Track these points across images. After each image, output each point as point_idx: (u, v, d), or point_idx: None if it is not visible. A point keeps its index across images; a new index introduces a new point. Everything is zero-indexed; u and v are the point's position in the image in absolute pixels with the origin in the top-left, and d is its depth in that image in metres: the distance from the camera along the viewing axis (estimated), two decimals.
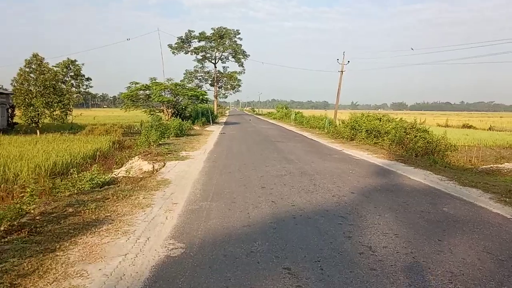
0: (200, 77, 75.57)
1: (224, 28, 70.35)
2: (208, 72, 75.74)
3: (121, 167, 13.50)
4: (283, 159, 13.05)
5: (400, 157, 14.12)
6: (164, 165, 12.43)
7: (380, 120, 21.92)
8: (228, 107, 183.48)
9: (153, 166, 12.19)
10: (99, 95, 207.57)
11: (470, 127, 43.32)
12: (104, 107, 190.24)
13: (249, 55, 71.51)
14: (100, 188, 8.68)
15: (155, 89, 31.54)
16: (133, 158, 13.71)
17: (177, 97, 33.73)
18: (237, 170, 10.74)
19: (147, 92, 32.55)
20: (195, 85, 70.37)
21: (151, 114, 35.55)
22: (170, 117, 33.51)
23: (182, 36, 70.88)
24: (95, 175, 9.08)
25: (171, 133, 21.75)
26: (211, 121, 38.10)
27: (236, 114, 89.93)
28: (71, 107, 32.22)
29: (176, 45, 71.27)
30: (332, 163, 12.49)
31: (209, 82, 76.03)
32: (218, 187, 8.39)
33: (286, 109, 65.52)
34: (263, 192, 7.91)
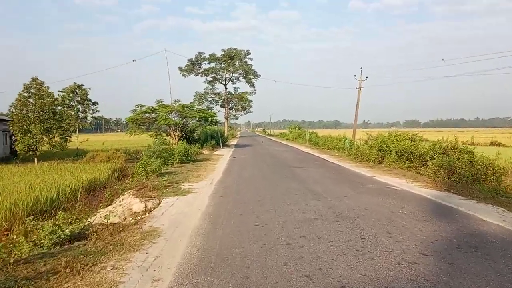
0: (211, 99, 73.97)
1: (234, 49, 69.09)
2: (218, 94, 74.17)
3: (110, 204, 11.15)
4: (308, 192, 10.52)
5: (450, 186, 11.44)
6: (159, 203, 10.03)
7: (411, 140, 19.28)
8: (239, 128, 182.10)
9: (145, 205, 9.78)
10: (112, 120, 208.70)
11: (499, 144, 40.08)
12: (117, 131, 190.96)
13: (259, 75, 69.82)
14: (69, 242, 6.34)
15: (162, 111, 29.52)
16: (124, 194, 11.33)
17: (185, 120, 31.65)
18: (251, 211, 8.23)
19: (154, 115, 30.55)
20: (205, 107, 68.74)
21: (158, 138, 33.64)
22: (178, 141, 31.38)
23: (192, 58, 69.72)
24: (59, 225, 6.69)
25: (176, 159, 19.43)
26: (221, 144, 35.83)
27: (247, 136, 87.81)
28: (71, 132, 30.31)
29: (186, 67, 70.13)
30: (370, 196, 9.90)
31: (220, 103, 74.39)
32: (224, 244, 5.89)
33: (299, 129, 63.11)
34: (289, 253, 5.38)
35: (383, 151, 19.67)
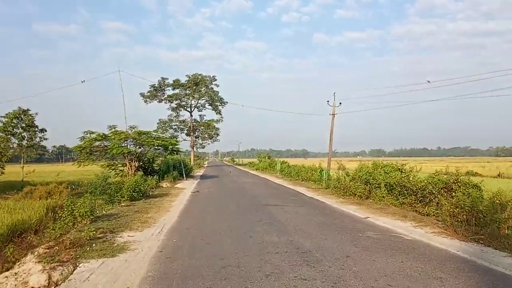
0: (175, 127, 70.53)
1: (200, 75, 66.64)
2: (183, 121, 70.86)
3: (10, 268, 7.61)
4: (293, 250, 7.43)
5: (475, 234, 8.70)
6: (73, 270, 6.65)
7: (401, 172, 16.80)
8: (207, 158, 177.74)
9: (49, 277, 6.40)
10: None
11: (476, 174, 38.81)
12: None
13: (226, 102, 67.43)
14: None
15: (115, 138, 25.89)
16: (27, 256, 7.82)
17: (142, 148, 28.08)
18: None
19: (106, 142, 26.83)
20: (169, 135, 65.02)
21: (113, 169, 29.73)
22: (134, 172, 27.66)
23: (155, 84, 66.50)
24: None
25: (124, 196, 15.89)
26: (184, 175, 32.29)
27: (215, 165, 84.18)
28: (3, 163, 25.99)
29: (148, 93, 66.70)
30: (381, 256, 6.95)
31: (185, 131, 70.97)
32: None
33: (268, 158, 60.46)
34: None
35: (369, 184, 17.05)
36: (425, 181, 13.86)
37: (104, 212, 13.21)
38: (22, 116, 37.69)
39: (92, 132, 26.31)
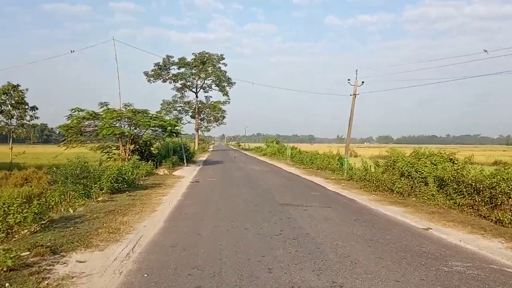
0: (180, 108, 67.09)
1: (207, 53, 62.71)
2: (188, 103, 67.32)
3: None
4: None
5: None
6: None
7: (452, 163, 13.35)
8: (213, 141, 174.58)
9: None
10: None
11: (504, 164, 35.05)
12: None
13: (234, 82, 63.65)
14: None
15: (106, 117, 22.60)
16: None
17: (137, 129, 24.79)
18: None
19: (97, 122, 23.56)
20: (173, 117, 61.72)
21: (105, 153, 26.51)
22: (129, 156, 24.44)
23: (159, 63, 62.84)
24: None
25: (104, 188, 12.62)
26: (185, 161, 29.02)
27: (220, 150, 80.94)
28: None
29: (152, 72, 63.14)
30: None
31: (190, 113, 67.54)
32: None
33: (277, 143, 57.00)
34: None
35: (410, 177, 13.63)
36: (498, 176, 10.39)
37: (67, 212, 9.95)
38: (11, 92, 34.58)
39: (81, 110, 23.01)
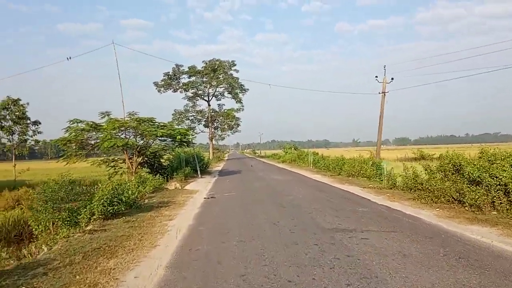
0: (192, 117, 64.84)
1: (217, 60, 60.39)
2: (201, 111, 65.00)
3: None
4: None
5: None
6: None
7: None
8: (228, 150, 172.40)
9: None
10: None
11: None
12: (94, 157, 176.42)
13: (247, 89, 61.09)
14: None
15: (108, 128, 20.10)
16: None
17: (144, 140, 22.27)
18: None
19: (99, 134, 21.12)
20: (186, 126, 59.49)
21: (111, 167, 24.07)
22: (136, 169, 21.94)
23: (169, 72, 60.81)
24: None
25: (95, 213, 9.97)
26: (198, 172, 26.36)
27: (236, 158, 78.10)
28: None
29: (162, 82, 61.15)
30: None
31: (203, 122, 65.19)
32: None
33: (295, 149, 54.07)
34: None
35: (481, 185, 10.60)
36: None
37: (41, 249, 7.29)
38: (11, 106, 32.61)
39: (81, 121, 20.60)
